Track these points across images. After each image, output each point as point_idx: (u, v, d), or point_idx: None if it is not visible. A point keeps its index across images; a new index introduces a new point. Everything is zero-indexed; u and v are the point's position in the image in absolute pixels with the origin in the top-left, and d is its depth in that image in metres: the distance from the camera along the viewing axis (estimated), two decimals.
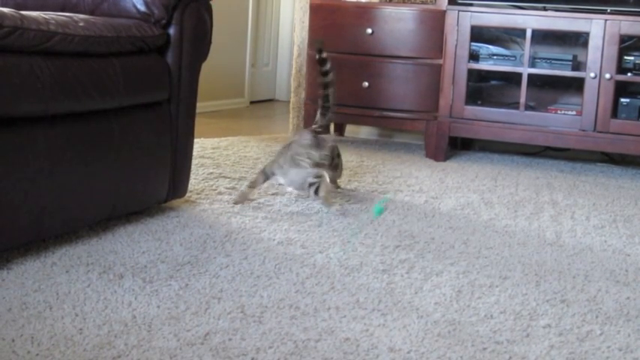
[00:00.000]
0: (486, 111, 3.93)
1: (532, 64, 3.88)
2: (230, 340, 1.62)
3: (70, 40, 2.11)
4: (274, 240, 2.37)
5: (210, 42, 2.65)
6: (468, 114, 3.93)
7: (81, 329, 1.64)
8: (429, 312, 1.85)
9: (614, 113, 3.76)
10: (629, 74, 3.76)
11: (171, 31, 2.50)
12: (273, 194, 2.96)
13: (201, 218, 2.57)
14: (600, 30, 3.71)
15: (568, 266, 2.27)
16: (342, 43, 4.06)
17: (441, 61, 3.94)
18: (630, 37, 3.79)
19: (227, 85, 5.85)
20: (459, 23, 3.89)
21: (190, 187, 2.78)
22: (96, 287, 1.89)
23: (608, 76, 3.71)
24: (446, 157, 3.98)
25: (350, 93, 4.05)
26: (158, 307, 1.78)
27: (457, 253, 2.34)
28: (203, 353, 1.55)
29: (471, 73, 3.95)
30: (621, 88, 3.82)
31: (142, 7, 2.48)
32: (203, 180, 3.11)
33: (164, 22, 2.48)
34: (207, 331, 1.66)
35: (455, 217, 2.79)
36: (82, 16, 2.26)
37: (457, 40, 3.90)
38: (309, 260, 2.19)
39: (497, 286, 2.06)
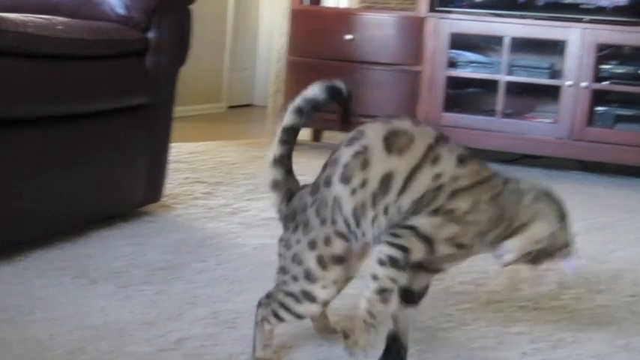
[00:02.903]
0: (464, 118, 3.95)
1: (510, 72, 3.90)
2: (203, 346, 1.62)
3: (49, 43, 2.10)
4: (249, 245, 2.36)
5: (189, 46, 2.64)
6: (446, 121, 3.94)
7: (52, 334, 1.62)
8: None
9: (590, 121, 3.79)
10: (605, 83, 3.79)
11: (151, 35, 2.50)
12: (249, 199, 2.95)
13: (176, 223, 2.56)
14: (578, 38, 3.74)
15: (542, 273, 2.28)
16: (322, 49, 4.07)
17: (419, 68, 3.95)
18: (607, 46, 3.81)
19: (205, 89, 5.84)
20: (438, 30, 3.91)
21: (166, 191, 2.77)
22: (69, 292, 1.87)
23: (584, 84, 3.74)
24: None
25: None
26: (131, 312, 1.77)
27: None
28: (176, 359, 1.55)
29: (450, 80, 3.97)
30: (597, 97, 3.85)
31: (121, 11, 2.47)
32: (179, 185, 3.10)
33: (143, 26, 2.48)
34: (181, 337, 1.65)
35: None
36: (60, 18, 2.25)
37: (436, 47, 3.92)
38: None
39: (471, 293, 2.06)
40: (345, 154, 1.42)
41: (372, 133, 1.40)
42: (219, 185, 3.15)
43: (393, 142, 1.37)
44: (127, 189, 2.48)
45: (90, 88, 2.24)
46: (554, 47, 3.90)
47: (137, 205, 2.58)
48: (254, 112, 6.29)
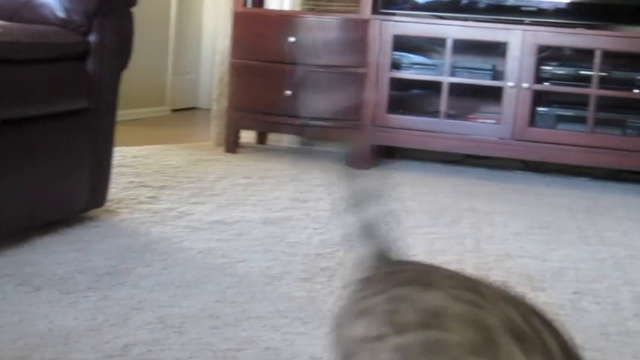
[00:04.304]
0: (408, 119, 3.97)
1: (453, 74, 3.93)
2: (150, 351, 1.61)
3: None
4: (195, 249, 2.35)
5: (131, 50, 2.62)
6: (391, 122, 3.96)
7: None
8: None
9: (532, 122, 3.84)
10: (546, 84, 3.84)
11: (92, 38, 2.47)
12: (194, 203, 2.94)
13: (120, 228, 2.53)
14: (519, 40, 3.79)
15: (487, 272, 2.30)
16: (265, 51, 4.06)
17: (364, 70, 3.97)
18: (547, 48, 3.87)
19: (148, 93, 5.80)
20: (382, 32, 3.93)
21: (110, 196, 2.74)
22: (11, 299, 1.85)
23: (526, 85, 3.79)
24: (369, 166, 4.00)
25: (273, 101, 4.04)
26: (76, 319, 1.75)
27: None
28: None
29: (394, 81, 3.99)
30: (539, 98, 3.90)
31: (61, 14, 2.44)
32: (123, 189, 3.07)
33: (84, 29, 2.45)
34: (127, 343, 1.64)
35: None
36: None
37: (380, 49, 3.93)
38: (230, 270, 2.18)
39: None
40: None
41: None
42: (163, 189, 3.13)
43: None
44: (69, 194, 2.45)
45: (29, 93, 2.21)
46: (496, 49, 3.94)
47: (81, 211, 2.55)
48: (198, 115, 6.25)
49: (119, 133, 2.70)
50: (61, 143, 2.38)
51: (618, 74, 3.81)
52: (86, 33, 2.46)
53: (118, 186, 3.10)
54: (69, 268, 2.09)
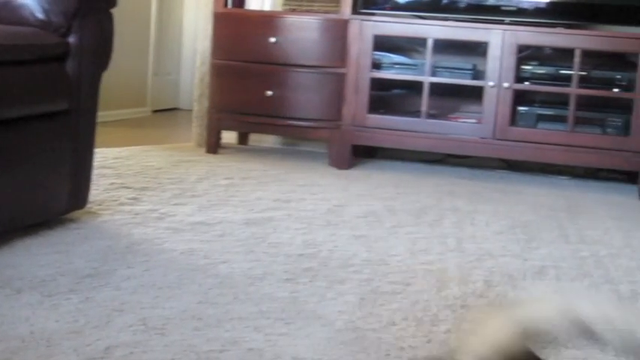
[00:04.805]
0: (389, 119, 3.98)
1: (433, 73, 3.94)
2: (132, 353, 1.60)
3: None
4: (177, 251, 2.35)
5: (111, 50, 2.61)
6: (371, 122, 3.97)
7: None
8: (333, 320, 1.86)
9: (513, 121, 3.85)
10: (526, 83, 3.85)
11: (71, 39, 2.46)
12: (175, 204, 2.93)
13: (102, 229, 2.53)
14: (499, 40, 3.80)
15: (468, 272, 2.31)
16: (246, 52, 4.06)
17: (344, 70, 3.97)
18: (528, 47, 3.88)
19: (129, 93, 5.78)
20: (362, 32, 3.93)
21: (91, 198, 2.73)
22: None
23: (506, 85, 3.80)
24: (350, 166, 4.01)
25: (254, 102, 4.04)
26: (57, 321, 1.74)
27: (360, 261, 2.36)
28: None
29: (374, 81, 3.99)
30: (519, 97, 3.91)
31: (40, 15, 2.43)
32: (104, 190, 3.06)
33: (63, 30, 2.44)
34: (109, 345, 1.63)
35: (358, 225, 2.81)
36: None
37: (360, 49, 3.94)
38: (212, 271, 2.17)
39: (399, 293, 2.08)
40: None
41: None
42: (145, 190, 3.12)
43: None
44: (50, 196, 2.44)
45: (8, 94, 2.20)
46: (477, 49, 3.95)
47: (62, 213, 2.54)
48: (179, 116, 6.24)
49: (100, 134, 2.69)
50: (41, 145, 2.37)
51: (598, 73, 3.83)
52: (66, 34, 2.45)
53: (99, 187, 3.08)
54: (50, 271, 2.08)
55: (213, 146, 4.16)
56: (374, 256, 2.42)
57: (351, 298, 2.02)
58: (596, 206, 3.42)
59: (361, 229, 2.74)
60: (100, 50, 2.55)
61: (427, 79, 3.92)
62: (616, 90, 3.80)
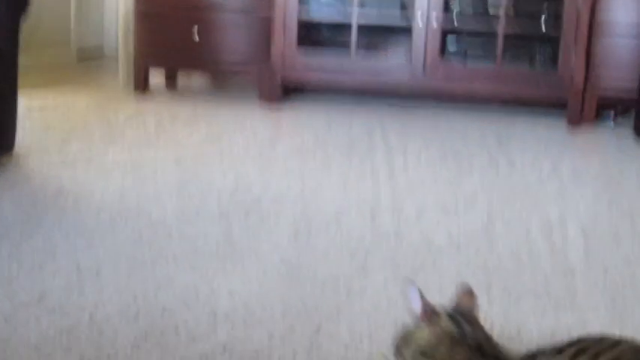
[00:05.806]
0: (318, 60, 3.94)
1: (361, 13, 3.89)
2: (67, 297, 1.59)
3: None
4: (108, 192, 2.32)
5: None
6: (301, 64, 3.92)
7: None
8: (267, 254, 1.86)
9: (442, 57, 3.86)
10: (454, 20, 3.85)
11: None
12: (104, 146, 2.89)
13: (30, 174, 2.49)
14: None
15: (401, 202, 2.33)
16: None
17: (271, 13, 3.91)
18: None
19: (52, 37, 5.64)
20: None
21: (18, 143, 2.68)
22: None
23: (434, 23, 3.79)
24: (280, 101, 3.98)
25: (181, 47, 3.97)
26: None
27: (293, 196, 2.36)
28: (40, 314, 1.51)
29: (301, 23, 3.94)
30: (448, 33, 3.92)
31: None
32: (31, 134, 3.00)
33: None
34: (43, 290, 1.62)
35: (290, 160, 2.81)
36: None
37: None
38: (144, 211, 2.16)
39: (333, 225, 2.09)
40: None
41: None
42: (72, 132, 3.07)
43: None
44: None
45: None
46: None
47: None
48: (104, 61, 6.12)
49: (25, 78, 2.64)
50: None
51: (525, 7, 3.85)
52: None
53: (25, 132, 3.02)
54: None
55: (142, 84, 4.08)
56: (306, 191, 2.43)
57: (285, 232, 2.03)
58: (525, 135, 3.47)
59: (293, 164, 2.75)
60: None
61: (355, 20, 3.88)
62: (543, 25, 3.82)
